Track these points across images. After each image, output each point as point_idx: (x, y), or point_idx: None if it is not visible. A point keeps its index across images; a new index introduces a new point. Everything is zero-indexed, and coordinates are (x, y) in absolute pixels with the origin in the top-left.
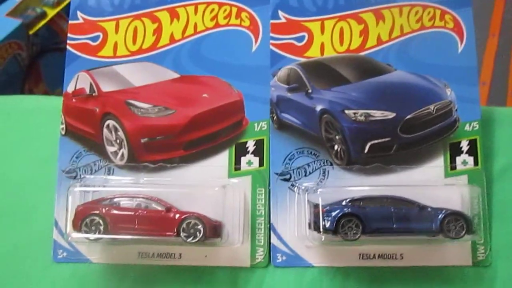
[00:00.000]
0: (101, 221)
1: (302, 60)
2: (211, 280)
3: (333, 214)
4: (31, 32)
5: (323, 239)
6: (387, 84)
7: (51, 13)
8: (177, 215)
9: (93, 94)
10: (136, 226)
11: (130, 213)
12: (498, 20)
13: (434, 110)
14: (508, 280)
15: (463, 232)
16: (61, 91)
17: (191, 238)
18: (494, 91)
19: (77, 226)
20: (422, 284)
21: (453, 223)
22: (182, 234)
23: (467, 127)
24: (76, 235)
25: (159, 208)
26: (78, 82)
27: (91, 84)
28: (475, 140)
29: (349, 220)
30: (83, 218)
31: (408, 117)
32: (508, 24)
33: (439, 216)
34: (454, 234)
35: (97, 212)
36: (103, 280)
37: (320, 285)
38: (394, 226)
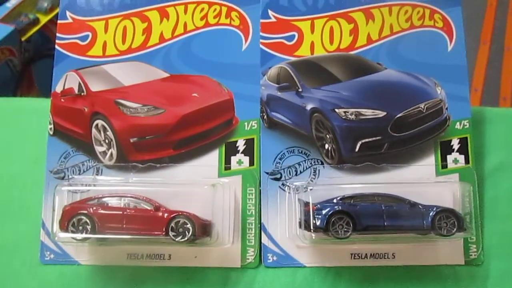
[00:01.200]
0: (88, 221)
1: (292, 59)
2: (201, 281)
3: (324, 212)
4: (23, 38)
5: (313, 238)
6: (377, 82)
7: (44, 19)
8: (166, 214)
9: (82, 93)
10: (124, 226)
11: (118, 212)
12: (489, 28)
13: (425, 109)
14: (500, 278)
15: (455, 229)
16: None
17: (180, 237)
18: (486, 97)
19: (64, 226)
20: (414, 283)
21: (445, 220)
22: (170, 233)
23: (457, 126)
24: (63, 235)
25: (148, 207)
26: (66, 81)
27: (79, 84)
28: (466, 138)
29: (340, 218)
30: (70, 218)
31: (398, 115)
32: (499, 32)
33: (430, 213)
34: (445, 232)
35: (85, 211)
36: (91, 282)
37: (311, 285)
38: (385, 223)
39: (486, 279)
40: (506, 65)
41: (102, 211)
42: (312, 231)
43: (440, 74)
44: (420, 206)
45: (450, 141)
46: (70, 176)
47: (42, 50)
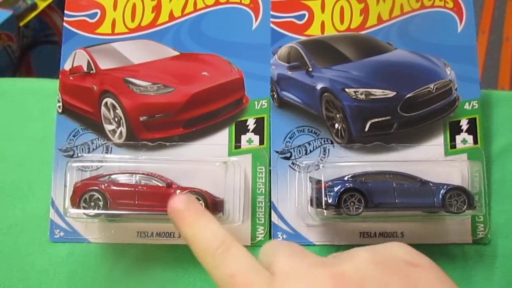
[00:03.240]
0: (100, 197)
1: (303, 38)
2: None
3: (336, 189)
4: (22, 24)
5: (325, 214)
6: (387, 63)
7: (42, 4)
8: (178, 191)
9: (91, 71)
10: (136, 202)
11: (130, 189)
12: (488, 17)
13: (434, 89)
14: (507, 257)
15: (465, 207)
16: None
17: None
18: (484, 87)
19: (75, 202)
20: None
21: (455, 198)
22: None
23: (466, 106)
24: (74, 211)
25: (160, 184)
26: (75, 59)
27: (88, 62)
28: (475, 119)
29: (351, 195)
30: (82, 194)
31: (408, 95)
32: (498, 22)
33: (441, 191)
34: (456, 209)
35: (96, 188)
36: (100, 259)
37: None
38: (396, 201)
39: (494, 258)
40: (505, 55)
41: (114, 188)
42: (324, 208)
43: (450, 55)
44: (431, 184)
45: (459, 121)
46: (79, 154)
47: (40, 36)
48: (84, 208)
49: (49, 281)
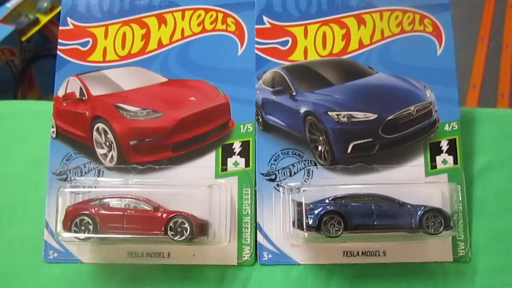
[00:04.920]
0: (90, 221)
1: (287, 63)
2: (199, 278)
3: (316, 211)
4: (24, 39)
5: (306, 236)
6: (369, 86)
7: (44, 19)
8: (165, 214)
9: (83, 98)
10: (124, 226)
11: (119, 212)
12: (487, 24)
13: (415, 111)
14: (487, 275)
15: (442, 228)
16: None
17: (178, 236)
18: (484, 94)
19: (67, 226)
20: (404, 279)
21: (432, 219)
22: (169, 233)
23: (446, 127)
24: (66, 234)
25: (147, 208)
26: (68, 86)
27: (81, 88)
28: (455, 139)
29: (331, 218)
30: (73, 218)
31: (389, 118)
32: (497, 28)
33: (418, 213)
34: (433, 230)
35: (87, 212)
36: (93, 279)
37: (305, 282)
38: (375, 222)
39: (474, 276)
40: (504, 61)
41: (104, 212)
42: (305, 230)
43: (429, 77)
44: (408, 206)
45: (439, 142)
46: (72, 178)
47: (42, 50)
48: (75, 231)
49: None
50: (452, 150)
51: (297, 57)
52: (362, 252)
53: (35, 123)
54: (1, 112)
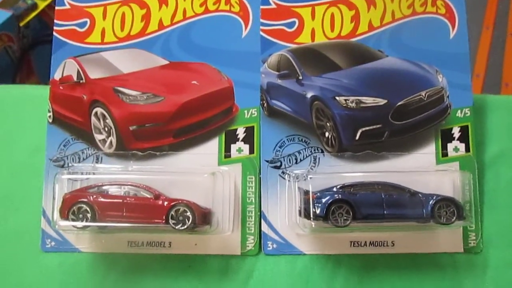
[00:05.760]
0: (88, 209)
1: (293, 46)
2: (201, 269)
3: (324, 200)
4: (22, 24)
5: (313, 226)
6: (378, 70)
7: (42, 4)
8: (166, 202)
9: (81, 81)
10: (124, 214)
11: (118, 200)
12: (492, 13)
13: (426, 97)
14: (498, 266)
15: (454, 217)
16: None
17: (180, 225)
18: (488, 83)
19: (64, 214)
20: (413, 270)
21: (444, 209)
22: (170, 221)
23: (458, 114)
24: (63, 223)
25: (148, 196)
26: (65, 69)
27: (78, 71)
28: (467, 126)
29: (339, 207)
30: (70, 206)
31: (399, 103)
32: (502, 17)
33: (430, 202)
34: (445, 220)
35: (85, 199)
36: (92, 269)
37: (311, 272)
38: (385, 212)
39: (485, 267)
40: (509, 50)
41: (102, 199)
42: (312, 219)
43: (441, 62)
44: (420, 195)
45: (451, 129)
46: (70, 164)
47: (41, 36)
48: (73, 220)
49: None
50: (464, 138)
51: (304, 39)
52: (370, 242)
53: (33, 108)
54: None
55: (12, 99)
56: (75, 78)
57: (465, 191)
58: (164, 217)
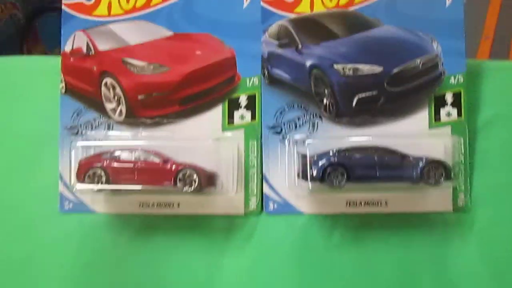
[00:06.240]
0: (103, 173)
1: (292, 16)
2: (207, 227)
3: (320, 163)
4: None
5: (310, 187)
6: (375, 38)
7: None
8: (174, 166)
9: (90, 53)
10: (135, 177)
11: (129, 165)
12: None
13: (421, 64)
14: (486, 225)
15: (442, 179)
16: (59, 50)
17: (187, 187)
18: (496, 45)
19: (81, 178)
20: (405, 228)
21: (433, 171)
22: (178, 184)
23: (452, 80)
24: (80, 186)
25: (157, 160)
26: (75, 41)
27: (87, 43)
28: (460, 92)
29: (335, 169)
30: (86, 171)
31: (395, 71)
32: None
33: (420, 164)
34: (433, 181)
35: (99, 165)
36: (107, 228)
37: (310, 230)
38: (378, 174)
39: (473, 225)
40: None
41: (115, 164)
42: (309, 181)
43: (437, 29)
44: (410, 158)
45: (444, 95)
46: (83, 132)
47: (45, 3)
48: (89, 183)
49: (61, 249)
50: (456, 103)
51: (303, 9)
52: (365, 202)
53: (44, 79)
54: (8, 68)
55: (24, 69)
56: (84, 50)
57: (455, 154)
58: (172, 180)
